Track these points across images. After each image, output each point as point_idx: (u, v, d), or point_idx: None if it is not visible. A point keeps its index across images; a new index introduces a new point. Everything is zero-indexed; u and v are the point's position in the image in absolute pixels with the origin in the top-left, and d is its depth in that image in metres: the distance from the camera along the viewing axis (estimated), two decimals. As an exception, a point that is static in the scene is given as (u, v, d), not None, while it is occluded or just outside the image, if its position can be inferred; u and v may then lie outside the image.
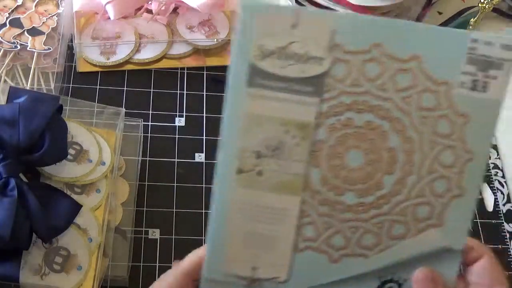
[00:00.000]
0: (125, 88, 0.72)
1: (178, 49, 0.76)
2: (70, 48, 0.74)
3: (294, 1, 0.78)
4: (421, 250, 0.41)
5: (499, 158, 0.71)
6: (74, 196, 0.57)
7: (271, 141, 0.40)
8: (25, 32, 0.71)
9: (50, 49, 0.70)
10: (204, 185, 0.67)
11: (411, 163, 0.40)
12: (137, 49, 0.75)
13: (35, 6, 0.74)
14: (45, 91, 0.68)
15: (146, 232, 0.63)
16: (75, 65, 0.73)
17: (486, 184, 0.69)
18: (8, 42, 0.70)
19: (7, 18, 0.72)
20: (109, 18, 0.75)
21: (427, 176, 0.40)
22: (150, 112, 0.71)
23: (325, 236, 0.41)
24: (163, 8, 0.77)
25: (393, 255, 0.41)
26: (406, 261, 0.41)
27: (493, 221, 0.67)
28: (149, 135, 0.69)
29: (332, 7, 0.75)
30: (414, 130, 0.40)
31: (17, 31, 0.71)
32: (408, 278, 0.41)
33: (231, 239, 0.41)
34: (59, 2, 0.75)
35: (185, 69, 0.75)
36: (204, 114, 0.72)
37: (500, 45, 0.38)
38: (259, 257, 0.41)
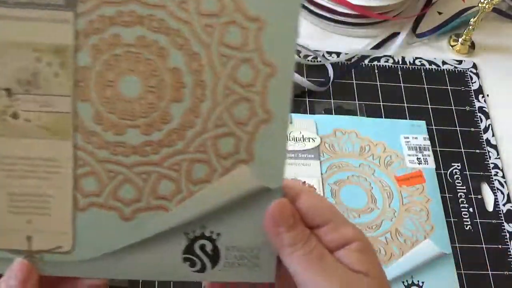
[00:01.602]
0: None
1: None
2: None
3: None
4: (232, 194, 0.34)
5: (499, 158, 0.71)
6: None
7: (23, 74, 0.32)
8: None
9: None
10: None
11: (203, 86, 0.33)
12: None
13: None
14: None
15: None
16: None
17: (486, 184, 0.69)
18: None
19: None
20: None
21: (224, 99, 0.33)
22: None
23: (111, 188, 0.34)
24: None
25: (199, 204, 0.34)
26: (216, 211, 0.34)
27: (493, 221, 0.67)
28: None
29: (332, 7, 0.76)
30: (199, 43, 0.33)
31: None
32: (222, 232, 0.35)
33: None
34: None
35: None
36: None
37: None
38: (32, 223, 0.34)
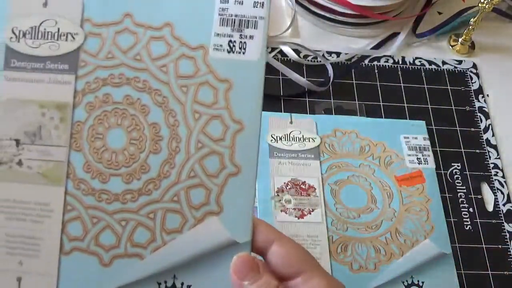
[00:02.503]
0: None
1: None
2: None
3: (294, 1, 0.78)
4: (203, 246, 0.36)
5: (499, 158, 0.71)
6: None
7: (30, 127, 0.37)
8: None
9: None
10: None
11: (178, 139, 0.37)
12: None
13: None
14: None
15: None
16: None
17: (486, 184, 0.69)
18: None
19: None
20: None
21: (196, 152, 0.37)
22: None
23: (93, 233, 0.36)
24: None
25: (171, 254, 0.36)
26: (188, 262, 0.36)
27: (493, 221, 0.67)
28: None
29: (332, 7, 0.76)
30: (175, 101, 0.37)
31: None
32: (193, 284, 0.36)
33: None
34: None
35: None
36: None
37: (251, 3, 0.37)
38: (23, 264, 0.36)
